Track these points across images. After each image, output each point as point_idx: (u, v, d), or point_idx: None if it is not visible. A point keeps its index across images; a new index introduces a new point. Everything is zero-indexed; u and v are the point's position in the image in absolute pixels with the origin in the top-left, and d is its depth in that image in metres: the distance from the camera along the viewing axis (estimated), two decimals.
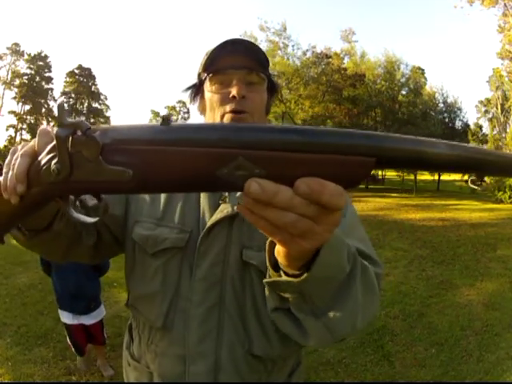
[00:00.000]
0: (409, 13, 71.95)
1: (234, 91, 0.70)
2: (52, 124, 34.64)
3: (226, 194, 0.70)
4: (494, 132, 19.73)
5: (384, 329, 3.35)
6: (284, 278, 0.47)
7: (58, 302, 2.46)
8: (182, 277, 0.72)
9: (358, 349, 3.00)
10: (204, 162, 0.33)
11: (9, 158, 0.46)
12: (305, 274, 0.44)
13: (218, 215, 0.68)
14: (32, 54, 32.61)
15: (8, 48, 31.92)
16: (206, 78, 0.75)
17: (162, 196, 0.76)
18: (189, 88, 0.82)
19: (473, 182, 0.40)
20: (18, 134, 32.93)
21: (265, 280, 0.52)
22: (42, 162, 0.40)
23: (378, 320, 3.44)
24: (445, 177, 27.69)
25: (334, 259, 0.45)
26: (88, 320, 2.46)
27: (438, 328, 3.41)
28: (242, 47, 0.72)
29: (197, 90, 0.80)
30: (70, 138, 0.36)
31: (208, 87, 0.75)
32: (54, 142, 0.38)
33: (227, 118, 0.71)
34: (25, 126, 32.98)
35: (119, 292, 4.12)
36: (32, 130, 32.80)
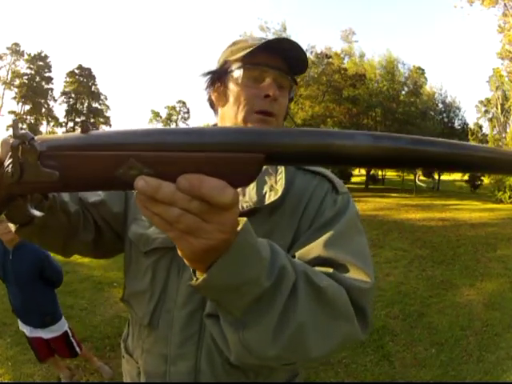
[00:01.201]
0: (409, 13, 71.97)
1: (270, 91, 0.68)
2: (52, 124, 34.78)
3: None
4: (494, 132, 19.71)
5: (384, 329, 3.36)
6: (193, 281, 0.45)
7: (15, 313, 2.37)
8: (169, 277, 0.72)
9: (358, 349, 3.00)
10: (104, 164, 0.38)
11: None
12: (200, 279, 0.42)
13: None
14: (32, 54, 32.63)
15: (8, 48, 31.95)
16: (237, 68, 0.70)
17: None
18: (208, 73, 0.76)
19: (421, 179, 0.38)
20: None
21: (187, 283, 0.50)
22: (4, 167, 0.47)
23: (378, 320, 3.45)
24: (445, 177, 27.68)
25: (240, 269, 0.42)
26: (46, 334, 2.33)
27: (438, 328, 3.41)
28: (288, 48, 0.69)
29: (218, 77, 0.74)
30: (20, 147, 0.43)
31: (238, 79, 0.70)
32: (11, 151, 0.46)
33: (254, 118, 0.69)
34: (25, 126, 32.97)
35: (119, 292, 4.12)
36: (32, 130, 32.68)
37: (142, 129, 0.40)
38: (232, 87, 0.71)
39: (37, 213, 0.58)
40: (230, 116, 0.72)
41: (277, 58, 0.69)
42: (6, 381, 2.52)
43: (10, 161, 0.45)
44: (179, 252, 0.41)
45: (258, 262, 0.44)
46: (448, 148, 0.35)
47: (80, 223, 0.73)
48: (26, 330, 2.34)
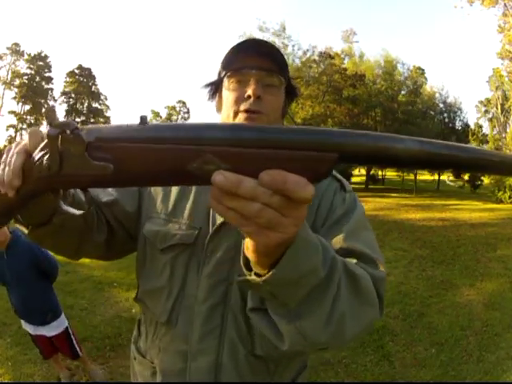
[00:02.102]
0: (409, 13, 72.00)
1: (249, 91, 0.70)
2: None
3: None
4: (494, 132, 19.70)
5: (384, 329, 3.36)
6: (252, 276, 0.46)
7: (17, 314, 2.37)
8: (188, 273, 0.73)
9: (358, 349, 3.00)
10: (175, 158, 0.37)
11: (4, 156, 0.50)
12: (268, 273, 0.43)
13: None
14: (32, 54, 32.63)
15: (8, 48, 31.94)
16: (224, 76, 0.75)
17: (174, 192, 0.77)
18: (208, 85, 0.82)
19: (451, 180, 0.41)
20: (18, 134, 32.94)
21: (237, 279, 0.51)
22: (35, 159, 0.44)
23: (378, 320, 3.43)
24: (445, 177, 27.67)
25: (303, 261, 0.44)
26: (48, 332, 2.33)
27: (438, 328, 3.42)
28: (264, 49, 0.73)
29: (216, 87, 0.80)
30: (60, 137, 0.40)
31: (226, 85, 0.75)
32: (46, 141, 0.42)
33: (240, 118, 0.71)
34: (25, 126, 32.96)
35: (119, 292, 4.12)
36: None
37: (211, 123, 0.39)
38: (223, 94, 0.76)
39: (74, 210, 0.54)
40: (224, 117, 0.75)
41: (259, 59, 0.72)
42: (6, 381, 2.52)
43: (43, 153, 0.42)
44: (250, 246, 0.42)
45: (315, 254, 0.46)
46: (475, 154, 0.39)
47: (94, 223, 0.72)
48: (29, 328, 2.33)
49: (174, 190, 0.78)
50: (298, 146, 0.36)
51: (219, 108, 0.80)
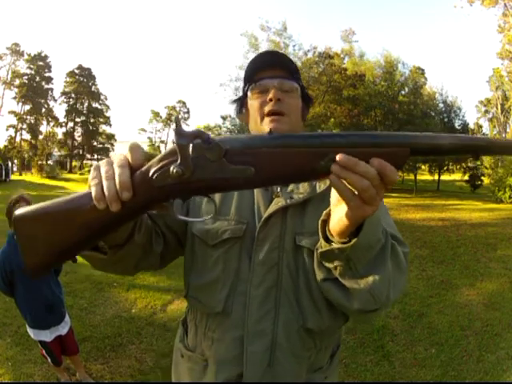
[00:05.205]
0: (409, 13, 71.90)
1: (270, 95, 0.81)
2: (52, 124, 34.72)
3: (279, 189, 0.81)
4: (494, 132, 19.72)
5: (384, 329, 3.35)
6: (337, 245, 0.58)
7: (32, 322, 2.26)
8: (241, 263, 0.80)
9: (358, 349, 3.00)
10: (309, 158, 0.48)
11: (94, 172, 0.51)
12: (354, 240, 0.55)
13: (273, 207, 0.78)
14: (32, 54, 32.63)
15: (8, 48, 31.94)
16: (248, 90, 0.87)
17: (217, 193, 0.83)
18: (235, 101, 0.94)
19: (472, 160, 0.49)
20: (18, 134, 32.94)
21: (320, 250, 0.63)
22: (153, 169, 0.49)
23: (378, 320, 3.44)
24: (445, 177, 27.66)
25: (374, 230, 0.57)
26: (63, 328, 2.34)
27: (438, 328, 3.41)
28: (278, 60, 0.86)
29: (241, 102, 0.92)
30: (191, 145, 0.47)
31: (250, 97, 0.87)
32: (166, 152, 0.49)
33: (266, 121, 0.82)
34: (25, 126, 32.96)
35: (119, 292, 4.12)
36: (32, 130, 32.79)
37: (329, 132, 0.51)
38: (249, 105, 0.88)
39: (192, 218, 0.61)
40: (252, 125, 0.87)
41: (277, 69, 0.84)
42: (6, 381, 2.52)
43: (166, 161, 0.47)
44: (349, 219, 0.52)
45: (380, 224, 0.59)
46: (488, 141, 0.52)
47: (152, 236, 0.77)
48: (45, 336, 2.28)
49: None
50: (385, 144, 0.49)
51: (247, 120, 0.90)
